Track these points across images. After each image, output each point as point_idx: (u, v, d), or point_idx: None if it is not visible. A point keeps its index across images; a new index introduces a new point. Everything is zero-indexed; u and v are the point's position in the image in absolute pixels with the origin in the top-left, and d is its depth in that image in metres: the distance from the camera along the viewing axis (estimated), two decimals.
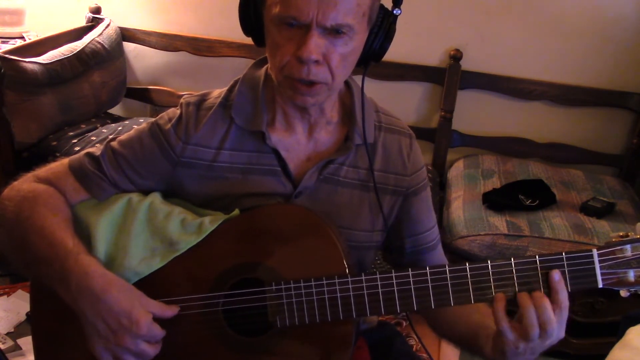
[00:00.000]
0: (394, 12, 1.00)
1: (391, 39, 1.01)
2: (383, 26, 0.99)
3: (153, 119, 1.09)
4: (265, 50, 1.00)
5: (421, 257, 1.15)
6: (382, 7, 0.99)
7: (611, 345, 1.36)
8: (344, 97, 1.09)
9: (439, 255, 1.18)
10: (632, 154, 2.64)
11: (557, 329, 0.89)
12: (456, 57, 2.65)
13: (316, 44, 0.90)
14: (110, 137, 1.10)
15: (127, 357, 0.92)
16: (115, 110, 2.95)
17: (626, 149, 2.69)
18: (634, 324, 1.38)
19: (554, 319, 0.88)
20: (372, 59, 1.03)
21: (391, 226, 1.12)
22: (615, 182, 2.58)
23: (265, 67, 1.07)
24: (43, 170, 1.07)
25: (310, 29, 0.90)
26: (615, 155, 2.71)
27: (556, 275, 0.89)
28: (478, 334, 0.99)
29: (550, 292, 0.89)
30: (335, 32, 0.91)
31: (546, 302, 0.88)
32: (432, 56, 2.71)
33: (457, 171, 2.65)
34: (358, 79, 1.09)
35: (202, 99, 1.08)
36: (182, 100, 1.09)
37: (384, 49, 1.02)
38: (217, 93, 1.09)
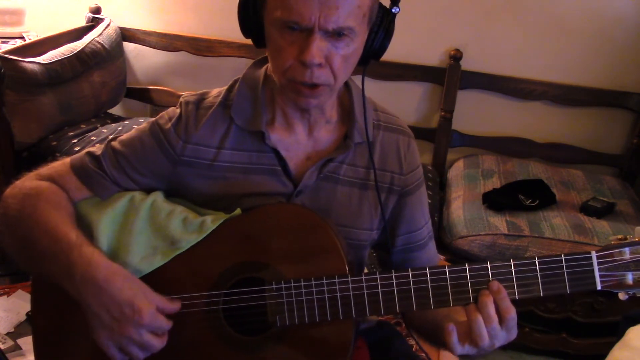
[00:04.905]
0: (393, 10, 1.00)
1: (390, 37, 1.02)
2: (383, 25, 1.00)
3: (153, 118, 1.09)
4: (266, 51, 1.00)
5: (410, 256, 1.15)
6: (380, 5, 0.99)
7: (611, 345, 1.36)
8: (342, 97, 1.09)
9: (429, 253, 1.18)
10: (632, 154, 2.65)
11: (506, 335, 0.91)
12: (456, 57, 2.65)
13: (318, 47, 0.91)
14: (111, 136, 1.10)
15: (132, 348, 0.92)
16: (115, 110, 2.95)
17: (626, 149, 2.70)
18: (634, 324, 1.38)
19: (498, 327, 0.90)
20: (372, 58, 1.03)
21: (385, 224, 1.12)
22: (615, 182, 2.59)
23: (265, 67, 1.07)
24: (45, 169, 1.07)
25: (313, 33, 0.90)
26: (615, 155, 2.71)
27: (494, 285, 0.91)
28: (440, 329, 1.00)
29: (495, 302, 0.91)
30: (337, 34, 0.91)
31: (491, 311, 0.90)
32: (432, 56, 2.72)
33: (457, 171, 2.66)
34: (356, 78, 1.09)
35: (202, 97, 1.09)
36: (181, 99, 1.09)
37: (383, 47, 1.02)
38: (216, 92, 1.09)
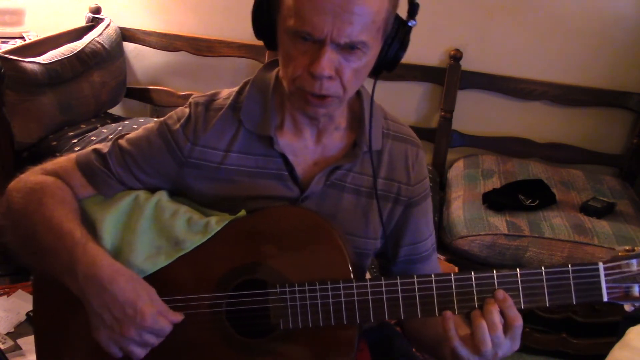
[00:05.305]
0: (409, 23, 0.98)
1: (405, 50, 0.99)
2: (397, 37, 0.98)
3: (162, 118, 1.08)
4: (277, 55, 0.99)
5: (413, 267, 1.14)
6: (397, 17, 0.97)
7: (611, 345, 1.36)
8: (353, 104, 1.08)
9: (432, 265, 1.17)
10: (632, 154, 2.65)
11: (510, 344, 0.91)
12: (456, 57, 2.65)
13: (329, 60, 0.89)
14: (116, 135, 1.09)
15: (133, 348, 0.92)
16: (115, 110, 2.95)
17: (626, 149, 2.70)
18: (634, 324, 1.38)
19: (502, 336, 0.89)
20: (384, 69, 1.01)
21: (389, 234, 1.11)
22: (615, 182, 2.59)
23: (276, 70, 1.06)
24: (50, 164, 1.06)
25: (324, 45, 0.88)
26: (615, 155, 2.71)
27: (500, 294, 0.91)
28: (442, 343, 0.99)
29: (502, 310, 0.90)
30: (349, 48, 0.90)
31: (496, 319, 0.89)
32: (432, 56, 2.71)
33: (457, 171, 2.65)
34: (366, 82, 1.06)
35: (211, 99, 1.07)
36: (191, 99, 1.08)
37: (397, 58, 1.00)
38: (226, 94, 1.08)
